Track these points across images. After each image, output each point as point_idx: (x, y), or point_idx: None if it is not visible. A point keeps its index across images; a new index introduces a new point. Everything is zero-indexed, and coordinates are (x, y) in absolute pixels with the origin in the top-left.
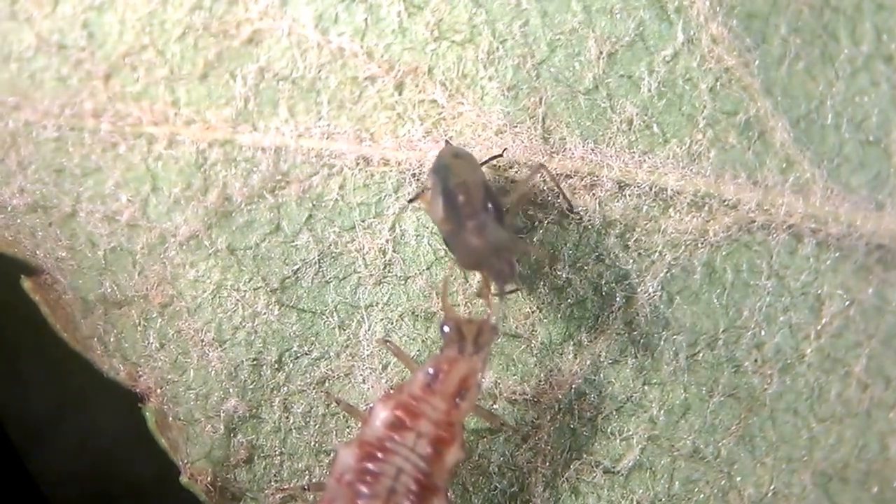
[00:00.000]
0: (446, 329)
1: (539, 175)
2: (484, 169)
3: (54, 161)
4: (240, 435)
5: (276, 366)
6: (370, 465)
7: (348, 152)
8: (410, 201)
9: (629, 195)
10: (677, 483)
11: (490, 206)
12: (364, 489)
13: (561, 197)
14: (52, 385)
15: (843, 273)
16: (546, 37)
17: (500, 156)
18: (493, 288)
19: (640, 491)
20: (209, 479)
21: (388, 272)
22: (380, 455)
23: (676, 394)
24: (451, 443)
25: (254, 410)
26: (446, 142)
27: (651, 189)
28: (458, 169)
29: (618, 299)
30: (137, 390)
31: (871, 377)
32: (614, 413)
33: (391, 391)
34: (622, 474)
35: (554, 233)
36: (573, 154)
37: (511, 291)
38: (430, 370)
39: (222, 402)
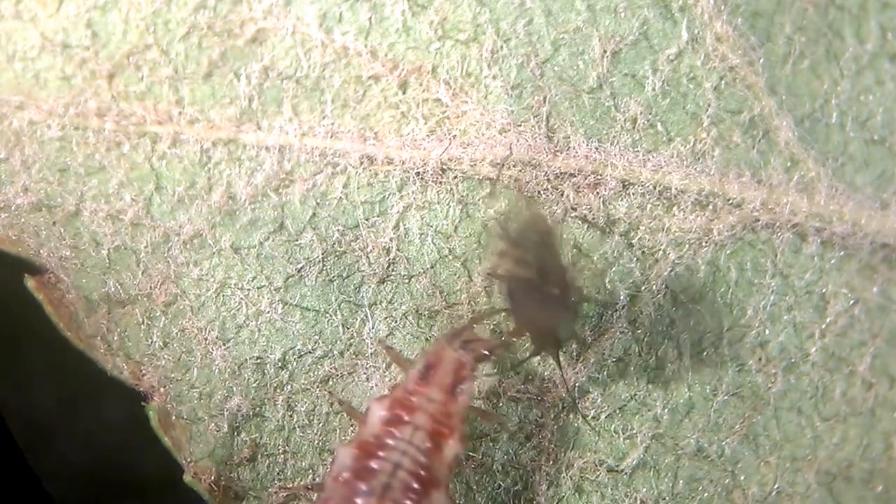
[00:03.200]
0: (450, 328)
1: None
2: (487, 167)
3: (58, 160)
4: (243, 433)
5: (280, 364)
6: (367, 463)
7: (352, 151)
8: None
9: (633, 194)
10: (681, 482)
11: (566, 299)
12: (360, 486)
13: (558, 168)
14: (56, 383)
15: (847, 272)
16: (550, 35)
17: (510, 155)
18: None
19: (644, 490)
20: (213, 477)
21: (392, 271)
22: (378, 453)
23: (680, 392)
24: (449, 435)
25: (257, 409)
26: (527, 198)
27: (655, 188)
28: (552, 254)
29: (622, 298)
30: (141, 389)
31: (876, 376)
32: (618, 412)
33: (388, 390)
34: (626, 473)
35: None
36: (577, 153)
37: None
38: (422, 362)
39: (226, 400)
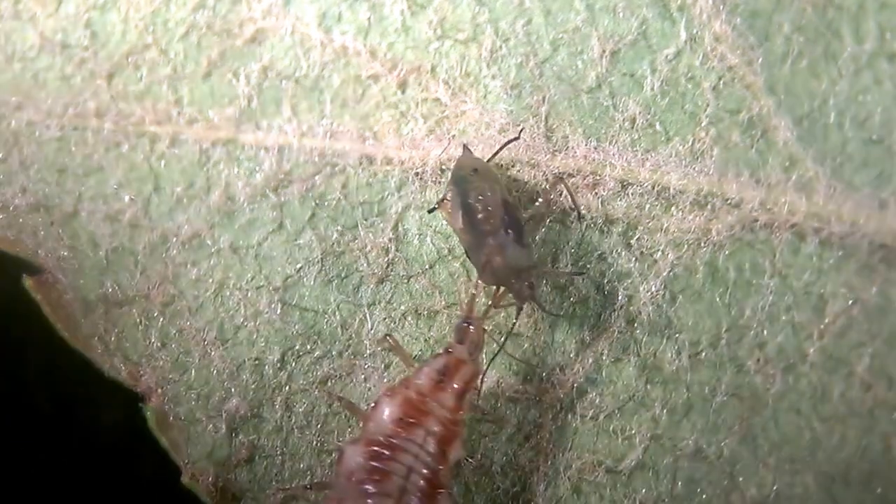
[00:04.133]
0: (469, 327)
1: (558, 189)
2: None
3: (57, 160)
4: (241, 435)
5: (279, 365)
6: (380, 464)
7: (351, 151)
8: (430, 211)
9: (632, 194)
10: (680, 483)
11: (509, 225)
12: (375, 488)
13: (573, 205)
14: (54, 383)
15: (846, 272)
16: (549, 35)
17: (517, 138)
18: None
19: (643, 490)
20: (210, 478)
21: (391, 271)
22: (388, 453)
23: (679, 393)
24: (454, 440)
25: (255, 410)
26: (464, 146)
27: (654, 188)
28: (477, 184)
29: (620, 298)
30: (139, 389)
31: (874, 377)
32: (617, 412)
33: (395, 387)
34: (624, 474)
35: (556, 231)
36: (576, 153)
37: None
38: (440, 367)
39: (224, 401)
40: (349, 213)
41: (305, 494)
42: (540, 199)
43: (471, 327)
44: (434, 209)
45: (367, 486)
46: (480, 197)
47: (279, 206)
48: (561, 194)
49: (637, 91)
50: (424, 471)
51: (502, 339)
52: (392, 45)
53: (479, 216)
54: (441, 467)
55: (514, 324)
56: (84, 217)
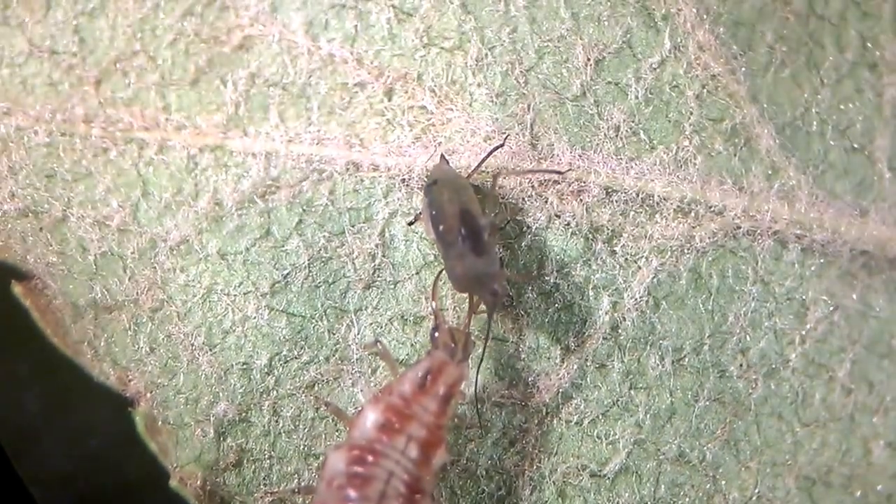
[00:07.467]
0: (437, 334)
1: (499, 181)
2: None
3: (45, 166)
4: (229, 439)
5: (266, 370)
6: (361, 469)
7: (338, 158)
8: (410, 224)
9: (616, 201)
10: (663, 487)
11: (467, 235)
12: (355, 493)
13: (542, 176)
14: (43, 387)
15: (827, 279)
16: (534, 44)
17: (502, 146)
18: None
19: (627, 494)
20: (199, 482)
21: (378, 276)
22: (370, 458)
23: (662, 398)
24: (438, 445)
25: (243, 414)
26: (441, 156)
27: (638, 195)
28: (438, 196)
29: (604, 304)
30: (127, 394)
31: (855, 382)
32: (601, 417)
33: (380, 394)
34: (608, 478)
35: (542, 238)
36: (561, 160)
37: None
38: (422, 372)
39: (212, 405)
40: (336, 220)
41: (293, 498)
42: (490, 201)
43: (438, 331)
44: (412, 222)
45: (348, 491)
46: (439, 209)
47: (266, 212)
48: (529, 182)
49: (621, 99)
50: (405, 476)
51: (485, 344)
52: (378, 52)
53: (441, 227)
54: (423, 472)
55: (489, 331)
56: (73, 222)
